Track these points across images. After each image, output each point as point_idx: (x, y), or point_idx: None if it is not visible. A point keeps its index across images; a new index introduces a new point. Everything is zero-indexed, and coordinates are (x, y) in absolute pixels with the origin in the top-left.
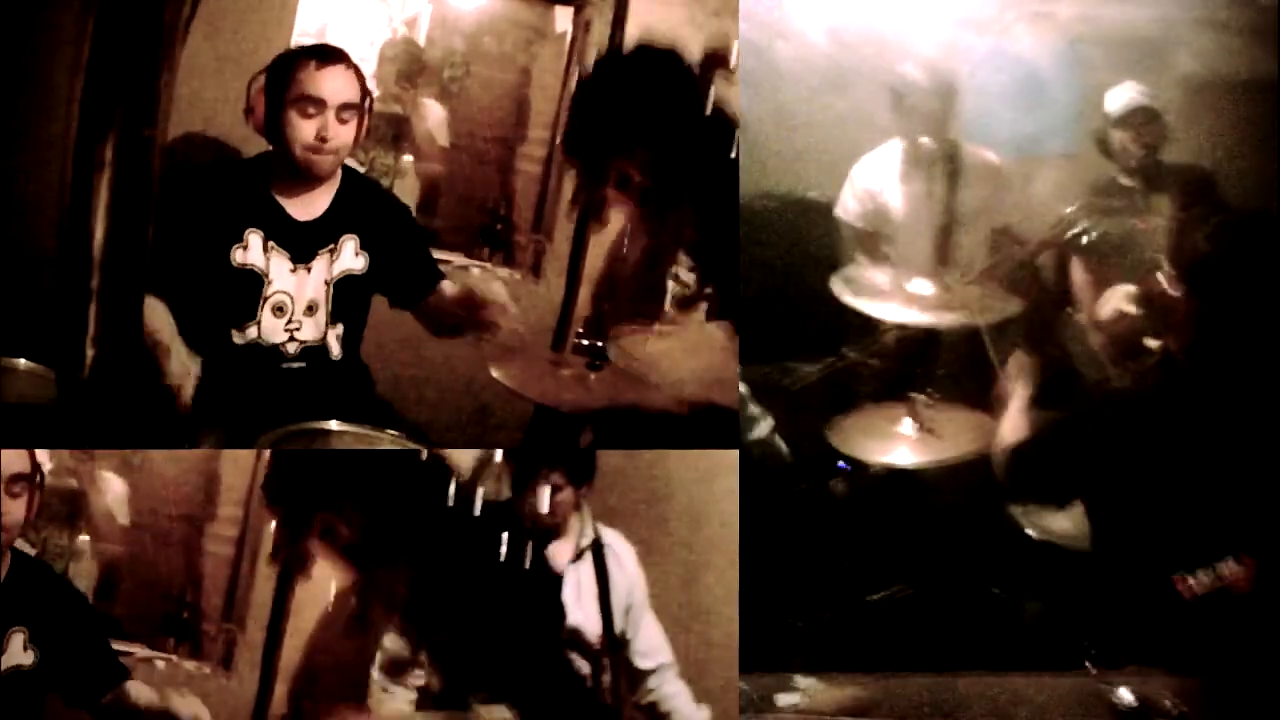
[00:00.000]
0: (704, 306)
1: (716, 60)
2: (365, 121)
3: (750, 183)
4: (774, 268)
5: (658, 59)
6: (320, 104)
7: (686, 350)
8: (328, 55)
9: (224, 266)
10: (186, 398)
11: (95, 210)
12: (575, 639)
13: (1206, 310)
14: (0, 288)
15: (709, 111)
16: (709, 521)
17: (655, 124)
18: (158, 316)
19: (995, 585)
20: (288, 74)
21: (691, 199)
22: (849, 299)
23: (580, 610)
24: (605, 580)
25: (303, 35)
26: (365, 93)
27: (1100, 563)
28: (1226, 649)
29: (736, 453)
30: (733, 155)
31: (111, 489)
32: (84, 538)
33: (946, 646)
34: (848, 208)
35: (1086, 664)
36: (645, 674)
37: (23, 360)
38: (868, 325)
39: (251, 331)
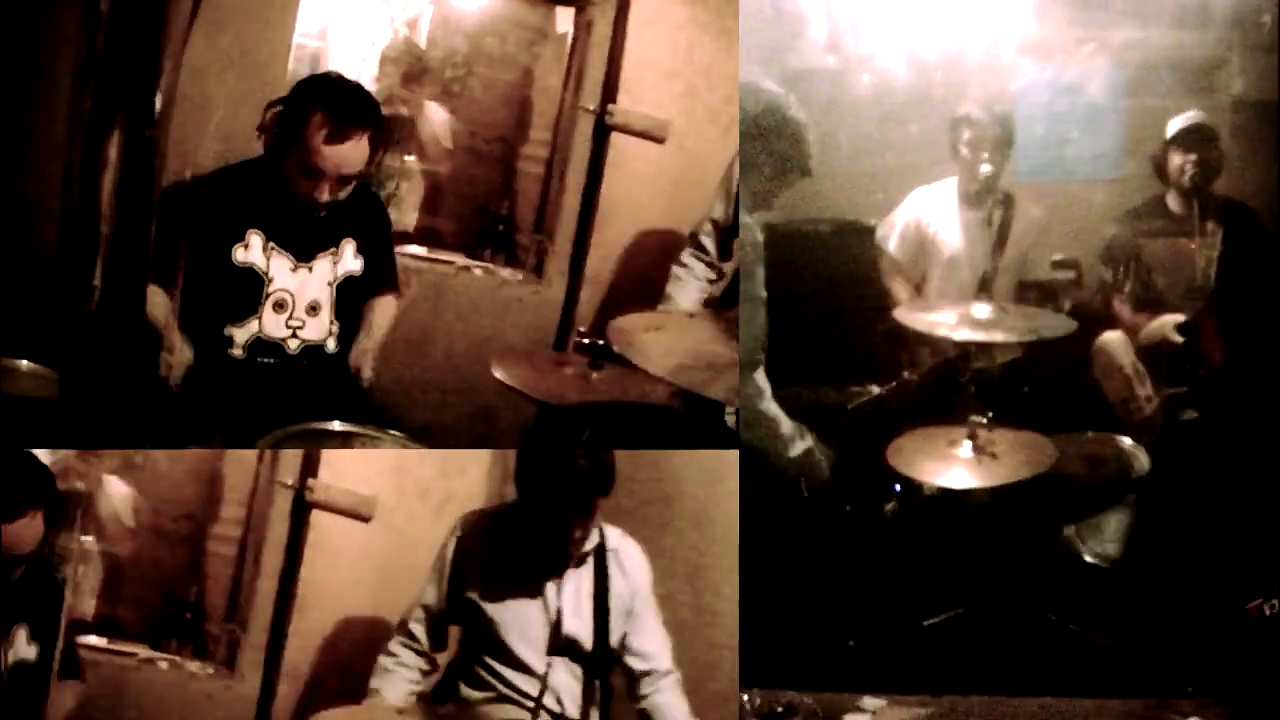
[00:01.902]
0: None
1: None
2: (375, 160)
3: (812, 207)
4: (831, 290)
5: None
6: (320, 174)
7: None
8: (342, 123)
9: (225, 264)
10: (176, 381)
11: (99, 210)
12: (570, 647)
13: (1254, 334)
14: (1, 288)
15: None
16: (714, 521)
17: None
18: (157, 305)
19: (1052, 611)
20: (303, 119)
21: None
22: (909, 319)
23: (577, 618)
24: (605, 587)
25: (304, 36)
26: (375, 156)
27: (1164, 589)
28: None
29: (736, 453)
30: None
31: (115, 490)
32: (88, 538)
33: (1004, 669)
34: (889, 235)
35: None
36: (640, 676)
37: (25, 361)
38: (927, 347)
39: (253, 326)
